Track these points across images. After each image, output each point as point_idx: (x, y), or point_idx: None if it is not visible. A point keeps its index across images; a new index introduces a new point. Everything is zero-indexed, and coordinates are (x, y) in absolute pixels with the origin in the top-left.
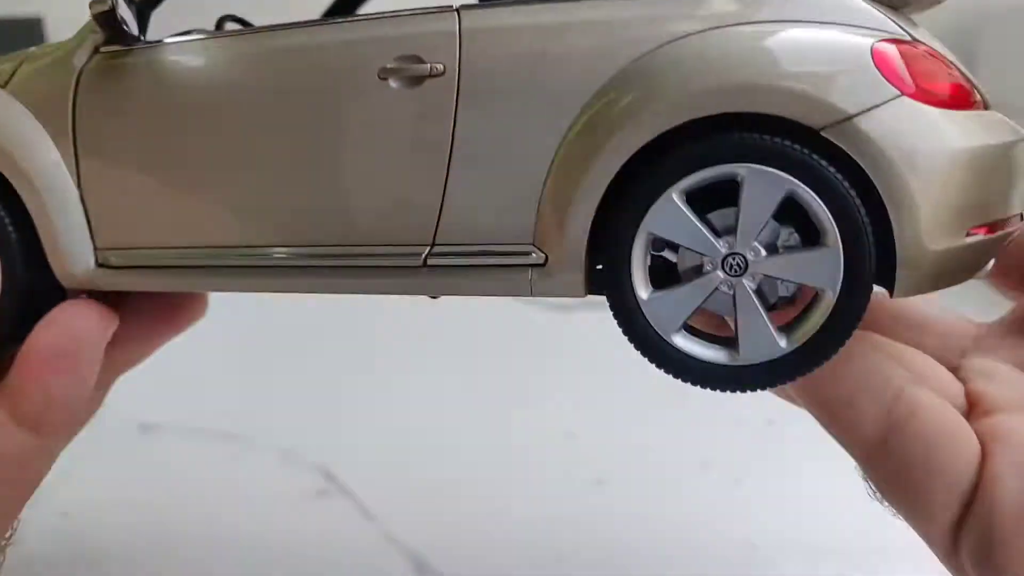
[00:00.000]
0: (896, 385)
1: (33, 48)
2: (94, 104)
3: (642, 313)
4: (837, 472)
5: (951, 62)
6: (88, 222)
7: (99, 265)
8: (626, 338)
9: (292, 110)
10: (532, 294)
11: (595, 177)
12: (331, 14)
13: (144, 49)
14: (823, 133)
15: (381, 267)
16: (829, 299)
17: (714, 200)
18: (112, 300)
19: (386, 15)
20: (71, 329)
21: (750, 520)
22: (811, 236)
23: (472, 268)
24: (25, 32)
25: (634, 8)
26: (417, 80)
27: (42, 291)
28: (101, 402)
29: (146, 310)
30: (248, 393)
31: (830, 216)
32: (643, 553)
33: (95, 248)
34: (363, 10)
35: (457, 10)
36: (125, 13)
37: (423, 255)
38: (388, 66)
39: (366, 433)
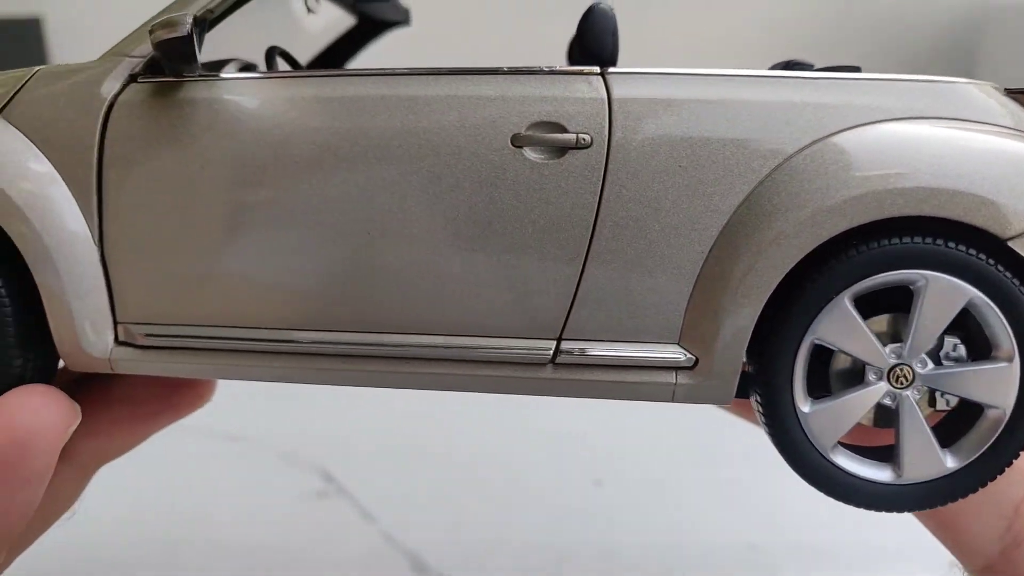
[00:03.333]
0: (1015, 497)
1: (42, 67)
2: (128, 146)
3: (802, 428)
4: None
5: None
6: (109, 290)
7: (120, 343)
8: (781, 455)
9: (389, 174)
10: (673, 400)
11: (763, 275)
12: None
13: (196, 83)
14: (1010, 243)
15: (498, 362)
16: (998, 415)
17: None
18: (91, 381)
19: (519, 71)
20: (18, 430)
21: (749, 520)
22: (977, 348)
23: (605, 368)
24: (23, 33)
25: (804, 92)
26: (558, 152)
27: (34, 375)
28: (76, 497)
29: (139, 392)
30: (247, 393)
31: (1010, 331)
32: (642, 553)
33: (115, 322)
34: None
35: (603, 74)
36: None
37: (550, 351)
38: (523, 133)
39: (365, 434)
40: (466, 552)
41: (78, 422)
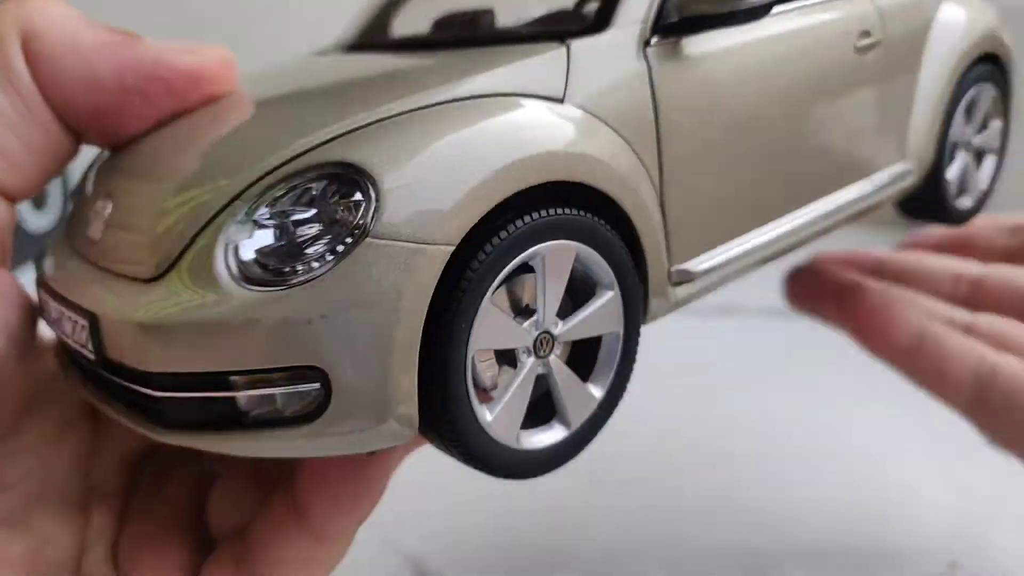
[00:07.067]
0: (977, 354)
1: (574, 43)
2: (676, 99)
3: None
4: (835, 475)
5: None
6: (666, 234)
7: (675, 284)
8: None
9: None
10: None
11: None
12: None
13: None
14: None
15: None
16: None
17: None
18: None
19: None
20: None
21: (750, 520)
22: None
23: None
24: None
25: None
26: None
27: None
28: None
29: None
30: None
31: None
32: (642, 553)
33: (668, 267)
34: None
35: None
36: None
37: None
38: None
39: None
40: (466, 553)
41: None
